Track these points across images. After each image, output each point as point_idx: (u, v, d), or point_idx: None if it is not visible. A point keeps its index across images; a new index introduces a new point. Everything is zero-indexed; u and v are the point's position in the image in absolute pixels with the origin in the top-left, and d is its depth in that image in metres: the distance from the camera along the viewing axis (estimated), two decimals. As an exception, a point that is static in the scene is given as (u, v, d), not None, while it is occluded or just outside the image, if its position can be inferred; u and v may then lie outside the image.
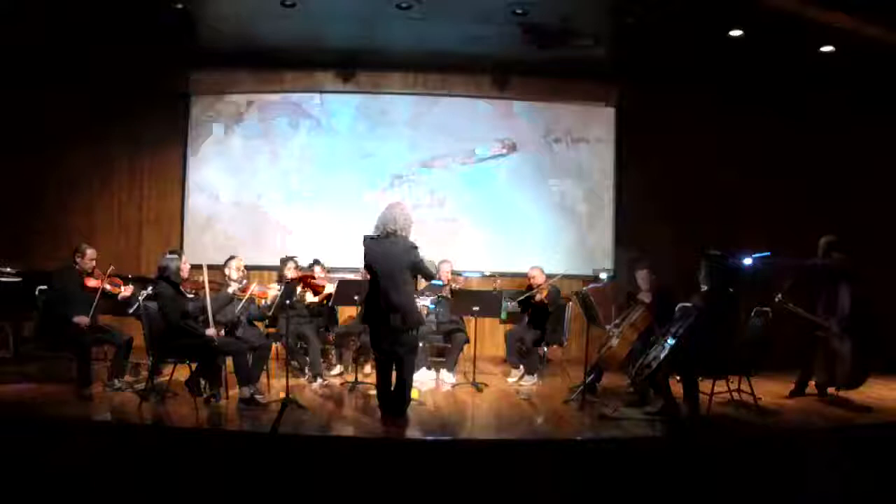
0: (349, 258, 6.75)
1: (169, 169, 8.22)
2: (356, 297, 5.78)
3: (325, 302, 6.37)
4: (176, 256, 5.42)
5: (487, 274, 7.83)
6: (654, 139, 8.07)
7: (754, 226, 7.76)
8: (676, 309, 5.31)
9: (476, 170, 8.31)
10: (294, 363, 6.18)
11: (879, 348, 5.73)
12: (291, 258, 6.44)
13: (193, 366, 5.15)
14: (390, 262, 4.75)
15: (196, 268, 5.86)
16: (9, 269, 6.30)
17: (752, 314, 5.51)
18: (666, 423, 4.83)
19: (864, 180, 7.84)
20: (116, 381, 5.50)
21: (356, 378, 5.97)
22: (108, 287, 5.71)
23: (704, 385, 5.10)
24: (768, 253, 5.89)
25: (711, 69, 7.66)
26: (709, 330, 4.95)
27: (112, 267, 5.90)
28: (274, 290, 5.87)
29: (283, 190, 8.24)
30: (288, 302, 5.48)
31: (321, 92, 8.25)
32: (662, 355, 4.88)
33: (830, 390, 5.76)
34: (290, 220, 8.21)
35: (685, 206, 7.86)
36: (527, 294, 6.55)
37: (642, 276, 5.78)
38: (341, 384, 6.06)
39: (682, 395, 5.04)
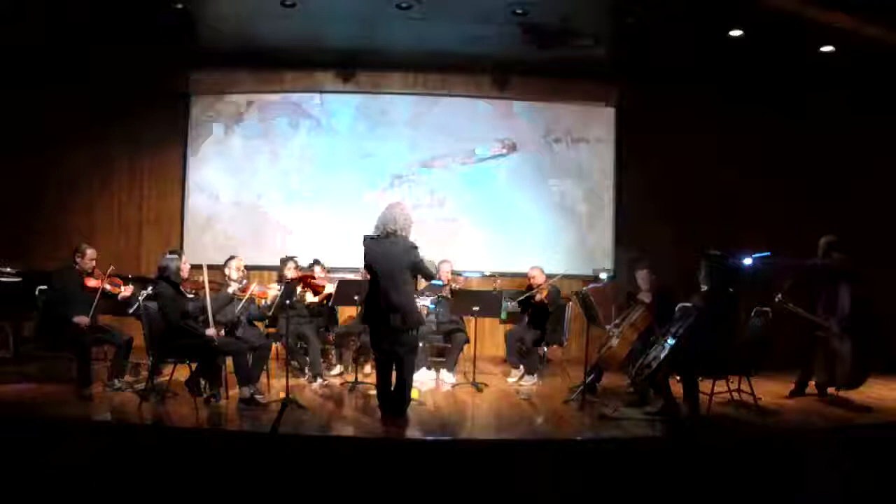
0: (349, 258, 6.75)
1: (169, 169, 8.22)
2: (356, 297, 5.78)
3: (325, 302, 6.37)
4: (176, 256, 5.42)
5: (487, 274, 7.83)
6: (654, 139, 8.07)
7: (754, 226, 7.76)
8: (676, 309, 5.31)
9: (476, 170, 8.31)
10: (294, 363, 6.18)
11: (879, 348, 5.73)
12: (291, 258, 6.44)
13: (193, 366, 5.15)
14: (390, 262, 4.75)
15: (196, 268, 5.86)
16: (9, 269, 6.29)
17: (752, 314, 5.51)
18: (666, 423, 4.83)
19: (864, 180, 7.84)
20: (116, 381, 5.50)
21: (356, 378, 5.97)
22: (108, 287, 5.71)
23: (704, 385, 5.10)
24: (768, 253, 5.89)
25: (711, 69, 7.66)
26: (709, 330, 4.95)
27: (112, 267, 5.90)
28: (274, 290, 5.87)
29: (283, 190, 8.24)
30: (288, 302, 5.48)
31: (321, 92, 8.25)
32: (662, 355, 4.88)
33: (830, 390, 5.76)
34: (290, 220, 8.21)
35: (685, 206, 7.86)
36: (527, 294, 6.55)
37: (642, 276, 5.78)
38: (341, 384, 6.06)
39: (682, 395, 5.04)
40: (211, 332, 5.23)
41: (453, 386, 6.20)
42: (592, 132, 8.37)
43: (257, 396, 5.18)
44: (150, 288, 5.67)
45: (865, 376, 5.63)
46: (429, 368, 6.45)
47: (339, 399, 5.57)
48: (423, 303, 6.32)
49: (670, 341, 4.90)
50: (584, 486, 3.90)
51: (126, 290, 5.84)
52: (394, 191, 8.17)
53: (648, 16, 6.34)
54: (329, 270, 6.88)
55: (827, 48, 6.85)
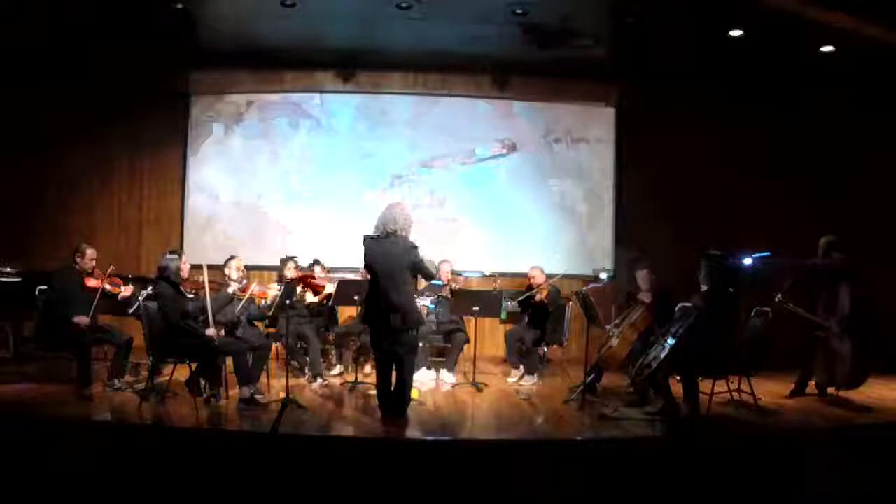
0: (349, 258, 6.75)
1: (169, 169, 8.22)
2: (356, 297, 5.78)
3: (325, 302, 6.37)
4: (176, 256, 5.42)
5: (487, 274, 7.83)
6: (654, 139, 8.07)
7: (754, 226, 7.76)
8: (676, 309, 5.31)
9: (476, 170, 8.31)
10: (294, 363, 6.18)
11: (879, 348, 5.73)
12: (291, 258, 6.44)
13: (193, 366, 5.15)
14: (390, 262, 4.75)
15: (196, 268, 5.86)
16: (9, 269, 6.29)
17: (752, 314, 5.51)
18: (666, 423, 4.83)
19: (864, 180, 7.84)
20: (116, 381, 5.50)
21: (356, 378, 5.97)
22: (108, 287, 5.71)
23: (704, 385, 5.10)
24: (768, 253, 5.89)
25: (711, 69, 7.66)
26: (709, 330, 4.95)
27: (112, 267, 5.90)
28: (274, 290, 5.87)
29: (283, 190, 8.24)
30: (288, 302, 5.48)
31: (321, 92, 8.25)
32: (662, 355, 4.88)
33: (830, 390, 5.76)
34: (290, 220, 8.21)
35: (685, 206, 7.86)
36: (527, 294, 6.55)
37: (642, 276, 5.78)
38: (341, 384, 6.06)
39: (682, 395, 5.04)
40: (211, 332, 5.23)
41: (453, 386, 6.20)
42: (592, 132, 8.36)
43: (257, 396, 5.18)
44: (150, 288, 5.67)
45: (865, 376, 5.63)
46: (429, 368, 6.45)
47: (339, 399, 5.57)
48: (423, 303, 6.32)
49: (670, 341, 4.90)
50: (584, 486, 3.90)
51: (126, 290, 5.84)
52: (394, 191, 8.17)
53: (648, 16, 6.34)
54: (329, 270, 6.88)
55: (827, 48, 6.85)
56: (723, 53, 7.18)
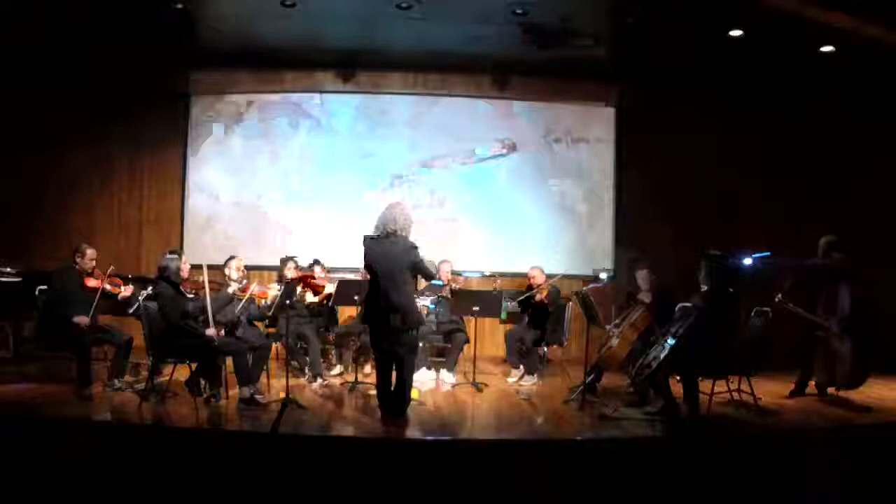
0: (349, 258, 6.75)
1: (169, 169, 8.22)
2: (356, 297, 5.78)
3: (325, 302, 6.37)
4: (176, 256, 5.42)
5: (487, 274, 7.83)
6: (654, 139, 8.07)
7: (754, 226, 7.76)
8: (676, 309, 5.31)
9: (476, 170, 8.31)
10: (294, 363, 6.18)
11: (879, 348, 5.73)
12: (291, 258, 6.44)
13: (193, 366, 5.15)
14: (390, 262, 4.75)
15: (196, 268, 5.86)
16: (9, 269, 6.30)
17: (752, 314, 5.51)
18: (666, 423, 4.83)
19: (864, 180, 7.84)
20: (116, 381, 5.50)
21: (356, 378, 5.97)
22: (108, 287, 5.71)
23: (704, 385, 5.10)
24: (768, 253, 5.89)
25: (711, 69, 7.66)
26: (709, 330, 4.95)
27: (112, 267, 5.90)
28: (274, 290, 5.87)
29: (283, 190, 8.24)
30: (288, 302, 5.48)
31: (321, 92, 8.25)
32: (662, 355, 4.88)
33: (830, 390, 5.76)
34: (290, 220, 8.22)
35: (685, 206, 7.86)
36: (527, 294, 6.55)
37: (642, 276, 5.78)
38: (341, 384, 6.06)
39: (682, 395, 5.04)
40: (211, 332, 5.23)
41: (453, 386, 6.20)
42: (592, 132, 8.37)
43: (257, 396, 5.18)
44: (150, 288, 5.67)
45: (865, 376, 5.63)
46: (429, 368, 6.45)
47: (339, 399, 5.57)
48: (423, 303, 6.32)
49: (670, 341, 4.90)
50: (584, 486, 3.90)
51: (126, 290, 5.84)
52: (394, 191, 8.18)
53: (648, 16, 6.34)
54: (329, 270, 6.88)
55: (827, 48, 6.85)
56: (723, 53, 7.18)
